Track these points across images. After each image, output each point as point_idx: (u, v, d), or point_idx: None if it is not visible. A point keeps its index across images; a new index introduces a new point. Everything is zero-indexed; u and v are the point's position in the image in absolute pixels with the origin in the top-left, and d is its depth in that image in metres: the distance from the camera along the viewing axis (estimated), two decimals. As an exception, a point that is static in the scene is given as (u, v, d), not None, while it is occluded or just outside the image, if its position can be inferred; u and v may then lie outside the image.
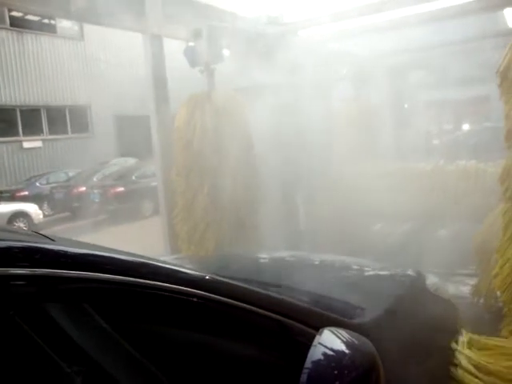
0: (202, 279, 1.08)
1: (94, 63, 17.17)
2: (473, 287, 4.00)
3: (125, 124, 17.12)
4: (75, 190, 12.36)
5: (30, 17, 15.49)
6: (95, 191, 11.90)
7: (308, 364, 0.89)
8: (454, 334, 1.87)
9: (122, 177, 12.50)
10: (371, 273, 2.06)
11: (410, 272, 1.98)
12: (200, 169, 5.14)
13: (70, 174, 14.25)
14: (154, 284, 0.93)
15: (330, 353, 0.93)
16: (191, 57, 5.36)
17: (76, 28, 16.99)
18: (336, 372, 0.90)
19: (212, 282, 1.09)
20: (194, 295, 0.98)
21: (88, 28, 16.33)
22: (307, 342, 0.96)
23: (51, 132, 16.43)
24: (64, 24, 16.42)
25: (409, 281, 1.90)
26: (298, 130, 6.16)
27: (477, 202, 4.50)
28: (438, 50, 8.22)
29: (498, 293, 3.11)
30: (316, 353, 0.92)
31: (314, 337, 0.98)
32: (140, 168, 12.78)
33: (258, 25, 6.12)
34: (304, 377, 0.87)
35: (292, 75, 6.12)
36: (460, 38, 7.48)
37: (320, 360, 0.91)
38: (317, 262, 2.35)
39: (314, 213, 6.33)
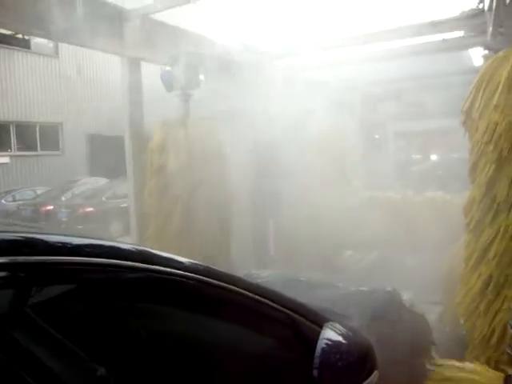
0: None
1: (68, 81, 17.02)
2: (439, 315, 4.09)
3: (97, 143, 16.96)
4: (43, 209, 12.08)
5: (2, 31, 15.33)
6: (63, 210, 11.66)
7: (318, 352, 1.18)
8: (427, 344, 2.19)
9: (91, 197, 12.31)
10: (354, 290, 2.35)
11: (388, 289, 2.26)
12: (173, 192, 5.15)
13: (38, 192, 13.94)
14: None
15: (333, 343, 1.23)
16: (168, 81, 5.41)
17: (51, 45, 16.85)
18: (338, 356, 1.20)
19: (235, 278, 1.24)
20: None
21: (63, 45, 16.22)
22: (313, 336, 1.22)
23: (20, 148, 16.11)
24: (38, 40, 16.28)
25: (387, 296, 2.17)
26: (270, 156, 6.26)
27: (443, 232, 4.63)
28: (409, 83, 8.52)
29: (462, 320, 3.21)
30: (323, 343, 1.20)
31: (318, 332, 1.24)
32: (111, 188, 12.62)
33: (234, 52, 6.24)
34: (316, 361, 1.15)
35: (266, 102, 6.24)
36: (431, 73, 7.79)
37: (326, 348, 1.20)
38: (307, 280, 2.61)
39: (284, 239, 6.38)
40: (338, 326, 1.33)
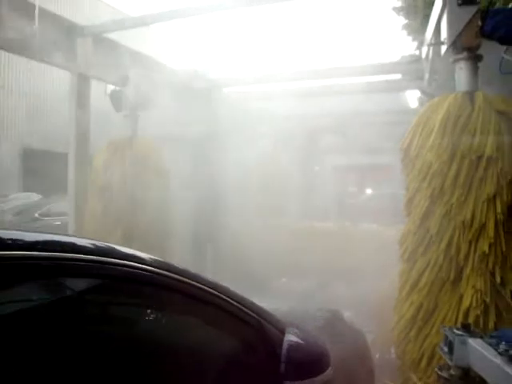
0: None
1: (2, 92, 16.33)
2: (370, 342, 4.27)
3: (33, 159, 16.27)
4: (-33, 224, 11.42)
5: None
6: (-11, 226, 11.07)
7: (284, 350, 1.40)
8: (367, 357, 2.39)
9: (22, 212, 11.75)
10: (301, 309, 2.57)
11: (330, 309, 2.51)
12: (115, 212, 5.09)
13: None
14: None
15: (295, 343, 1.45)
16: (117, 101, 5.41)
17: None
18: (300, 354, 1.42)
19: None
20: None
21: (1, 56, 15.62)
22: (277, 338, 1.44)
23: None
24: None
25: (331, 314, 2.36)
26: (211, 182, 6.35)
27: (377, 262, 4.87)
28: (349, 119, 8.95)
29: (393, 347, 3.40)
30: (287, 344, 1.42)
31: (280, 335, 1.46)
32: (44, 205, 12.13)
33: (185, 77, 6.34)
34: (283, 358, 1.38)
35: (212, 128, 6.37)
36: (369, 111, 8.25)
37: (290, 348, 1.42)
38: None
39: (221, 266, 6.41)
40: (297, 330, 1.54)
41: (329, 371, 1.47)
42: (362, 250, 5.61)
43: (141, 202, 5.11)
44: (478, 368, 1.77)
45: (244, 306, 1.41)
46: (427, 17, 3.85)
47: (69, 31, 5.09)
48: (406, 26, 8.74)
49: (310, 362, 1.43)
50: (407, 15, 8.55)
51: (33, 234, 1.14)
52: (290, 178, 8.69)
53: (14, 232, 1.08)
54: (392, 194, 8.01)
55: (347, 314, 2.45)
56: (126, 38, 5.67)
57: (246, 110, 7.52)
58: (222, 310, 1.35)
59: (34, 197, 14.10)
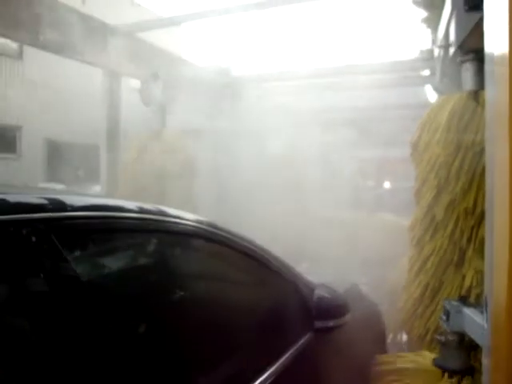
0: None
1: (31, 85, 16.81)
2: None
3: (57, 150, 16.78)
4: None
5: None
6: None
7: (315, 299, 1.93)
8: (381, 322, 2.88)
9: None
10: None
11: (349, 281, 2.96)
12: (144, 201, 5.42)
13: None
14: None
15: (322, 295, 1.99)
16: (146, 96, 5.76)
17: (14, 46, 16.62)
18: (327, 302, 1.96)
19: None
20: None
21: (28, 48, 16.05)
22: (307, 292, 1.95)
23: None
24: (1, 40, 16.05)
25: (350, 285, 2.79)
26: (233, 174, 6.66)
27: (392, 250, 5.14)
28: (366, 113, 9.17)
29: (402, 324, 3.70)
30: (317, 296, 1.96)
31: (310, 290, 1.97)
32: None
33: (209, 73, 6.66)
34: (314, 304, 1.90)
35: (235, 123, 6.68)
36: (387, 105, 8.47)
37: (319, 298, 1.96)
38: None
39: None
40: (324, 287, 2.11)
41: (348, 316, 1.98)
42: (377, 237, 5.89)
43: (169, 194, 5.44)
44: (470, 332, 2.05)
45: (283, 265, 1.86)
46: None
47: (102, 31, 5.43)
48: (425, 20, 8.85)
49: (333, 308, 1.94)
50: (426, 8, 8.65)
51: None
52: (310, 170, 8.93)
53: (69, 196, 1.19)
54: (408, 188, 8.18)
55: (364, 289, 2.78)
56: (154, 37, 6.01)
57: (267, 103, 7.80)
58: (268, 267, 1.79)
59: (58, 187, 14.63)
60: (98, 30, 5.40)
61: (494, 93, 1.02)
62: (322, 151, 9.93)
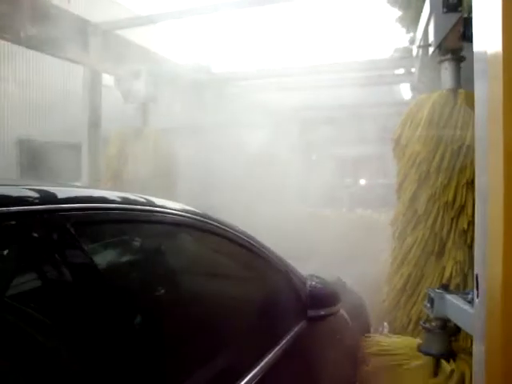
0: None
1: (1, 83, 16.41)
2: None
3: (29, 149, 16.42)
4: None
5: None
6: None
7: (307, 289, 1.98)
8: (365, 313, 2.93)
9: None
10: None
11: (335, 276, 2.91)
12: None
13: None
14: None
15: (315, 284, 2.04)
16: (127, 93, 5.75)
17: (-11, 43, 16.20)
18: (319, 291, 2.00)
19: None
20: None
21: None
22: (299, 283, 2.00)
23: None
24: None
25: (335, 279, 2.77)
26: (214, 171, 6.70)
27: (371, 245, 5.26)
28: (343, 111, 9.30)
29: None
30: (309, 286, 2.01)
31: (302, 281, 2.03)
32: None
33: (189, 71, 6.68)
34: (306, 293, 1.95)
35: (215, 120, 6.72)
36: (364, 103, 8.61)
37: (312, 288, 2.00)
38: None
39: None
40: (315, 277, 2.12)
41: (338, 305, 2.05)
42: (357, 233, 6.01)
43: (151, 189, 5.45)
44: (453, 317, 2.17)
45: (276, 257, 1.93)
46: (420, 9, 4.17)
47: (82, 28, 5.39)
48: (400, 19, 9.05)
49: (325, 298, 2.00)
50: (401, 8, 8.83)
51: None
52: (289, 167, 9.03)
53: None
54: (384, 184, 8.37)
55: (348, 282, 2.84)
56: (134, 35, 6.00)
57: (245, 101, 7.85)
58: (262, 258, 1.85)
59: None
60: (78, 27, 5.36)
61: (484, 91, 1.10)
62: (300, 148, 10.05)
